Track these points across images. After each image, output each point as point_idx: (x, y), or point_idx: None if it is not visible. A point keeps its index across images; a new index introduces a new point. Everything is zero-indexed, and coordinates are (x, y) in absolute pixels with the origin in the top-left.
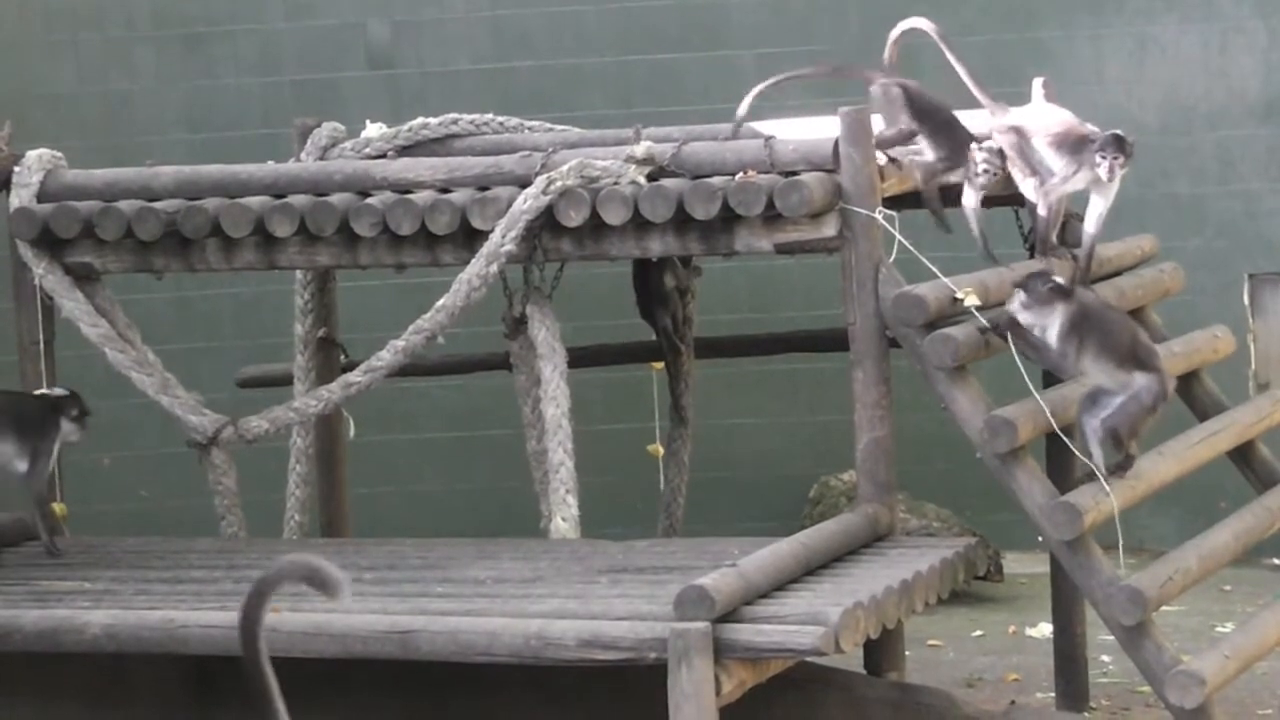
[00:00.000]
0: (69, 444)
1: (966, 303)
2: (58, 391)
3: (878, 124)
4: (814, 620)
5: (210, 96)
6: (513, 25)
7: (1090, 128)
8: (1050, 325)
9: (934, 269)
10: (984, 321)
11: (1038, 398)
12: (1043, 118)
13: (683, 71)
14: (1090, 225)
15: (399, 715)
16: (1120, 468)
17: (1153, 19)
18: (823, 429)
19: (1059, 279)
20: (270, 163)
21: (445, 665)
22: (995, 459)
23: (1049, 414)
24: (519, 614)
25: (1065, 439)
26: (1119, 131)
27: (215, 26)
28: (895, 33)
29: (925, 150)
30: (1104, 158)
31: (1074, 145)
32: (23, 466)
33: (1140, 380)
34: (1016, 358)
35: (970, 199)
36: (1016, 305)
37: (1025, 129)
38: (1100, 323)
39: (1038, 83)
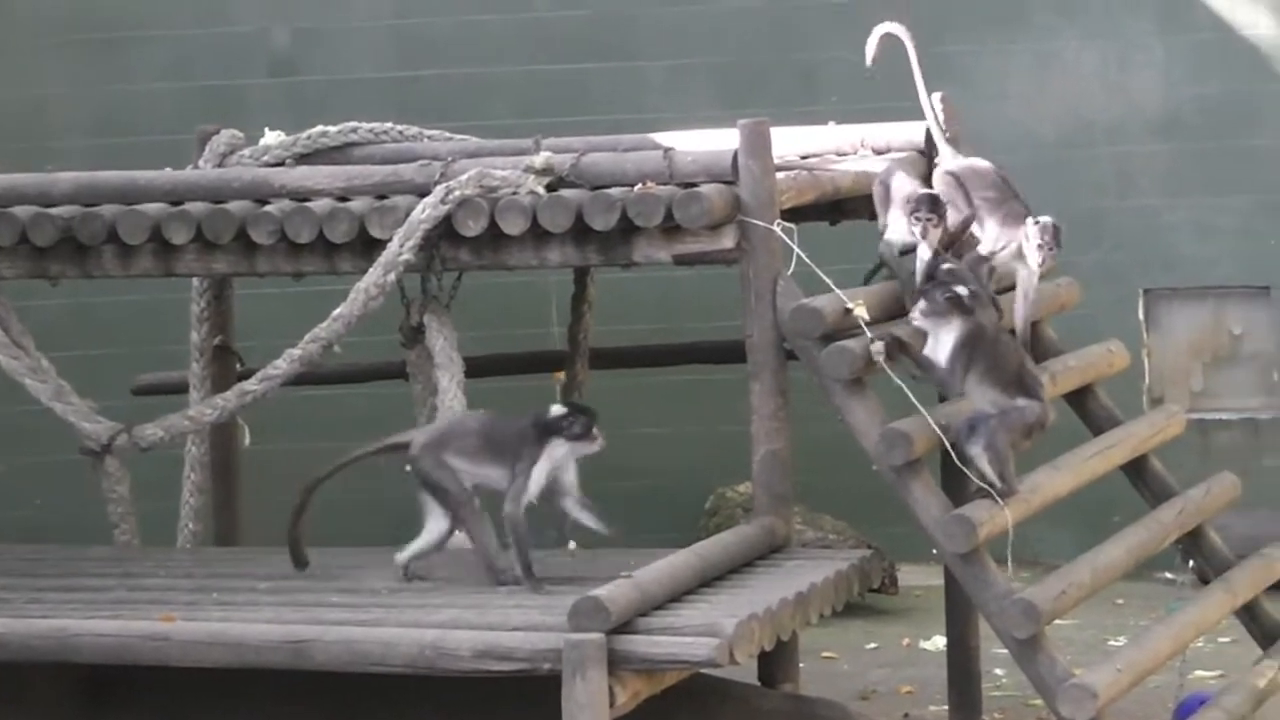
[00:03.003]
0: (582, 458)
1: (855, 314)
2: (555, 410)
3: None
4: (709, 631)
5: (123, 102)
6: (417, 33)
7: (1021, 199)
8: (943, 339)
9: (830, 282)
10: (869, 334)
11: (927, 416)
12: (980, 176)
13: (589, 82)
14: (1020, 303)
15: None
16: (1004, 495)
17: (1055, 35)
18: (720, 440)
19: (960, 290)
20: (168, 169)
21: (348, 676)
22: (891, 471)
23: (939, 430)
24: (415, 624)
25: (957, 457)
26: (1053, 220)
27: (130, 31)
28: (874, 36)
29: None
30: (1042, 249)
31: (1006, 217)
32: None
33: (1020, 402)
34: (897, 379)
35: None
36: (916, 314)
37: (964, 180)
38: (992, 346)
39: (935, 97)
